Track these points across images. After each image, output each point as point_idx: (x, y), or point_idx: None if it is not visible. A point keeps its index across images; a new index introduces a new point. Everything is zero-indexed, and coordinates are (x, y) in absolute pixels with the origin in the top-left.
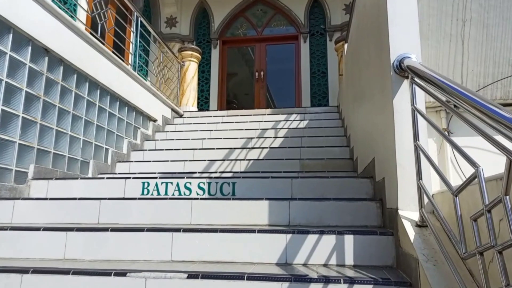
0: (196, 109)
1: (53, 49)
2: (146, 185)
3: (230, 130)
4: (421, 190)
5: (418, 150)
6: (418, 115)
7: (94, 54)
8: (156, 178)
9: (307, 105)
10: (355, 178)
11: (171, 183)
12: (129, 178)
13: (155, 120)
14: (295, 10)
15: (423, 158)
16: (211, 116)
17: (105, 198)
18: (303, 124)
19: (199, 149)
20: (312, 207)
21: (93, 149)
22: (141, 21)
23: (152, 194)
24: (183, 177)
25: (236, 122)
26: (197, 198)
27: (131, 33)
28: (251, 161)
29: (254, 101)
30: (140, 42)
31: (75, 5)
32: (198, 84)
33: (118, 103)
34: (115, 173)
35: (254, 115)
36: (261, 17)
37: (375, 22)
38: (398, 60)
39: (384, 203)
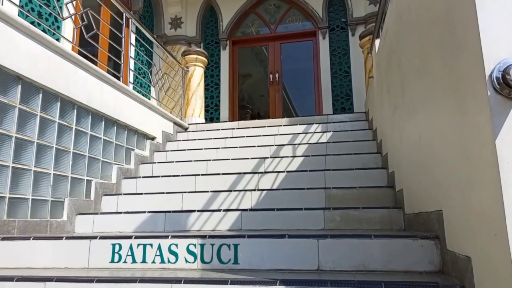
0: (204, 120)
1: (4, 64)
2: (117, 248)
3: (239, 147)
4: None
5: None
6: None
7: (67, 67)
8: (131, 238)
9: (329, 108)
10: (411, 239)
11: (151, 245)
12: (95, 238)
13: (153, 138)
14: (312, 3)
15: None
16: (219, 129)
17: (51, 279)
18: (325, 137)
19: (202, 174)
20: None
21: (69, 184)
22: (134, 24)
23: (125, 261)
24: (167, 236)
25: (247, 136)
26: (180, 281)
27: (128, 38)
28: (264, 192)
29: (269, 107)
30: (137, 48)
31: (55, 18)
32: (207, 89)
33: (103, 123)
34: (97, 213)
35: (268, 126)
36: (274, 13)
37: (440, 8)
38: (500, 71)
39: None
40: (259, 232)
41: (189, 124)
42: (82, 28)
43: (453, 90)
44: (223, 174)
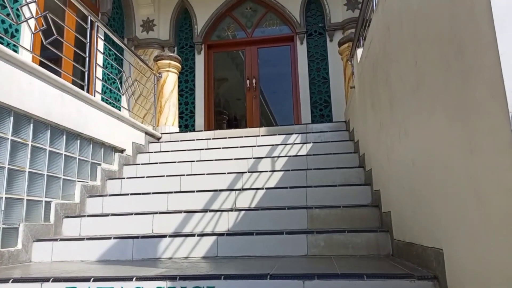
0: (178, 129)
1: None
2: None
3: (215, 160)
4: None
5: None
6: None
7: (21, 77)
8: (89, 280)
9: (307, 115)
10: (408, 279)
11: None
12: (48, 281)
13: (122, 151)
14: (289, 7)
15: None
16: (194, 140)
17: None
18: (305, 148)
19: (175, 192)
20: None
21: (24, 207)
22: (98, 28)
23: None
24: (131, 278)
25: (223, 147)
26: None
27: (94, 44)
28: (242, 213)
29: (246, 114)
30: (104, 55)
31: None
32: (182, 95)
33: (64, 137)
34: (57, 239)
35: (245, 136)
36: (250, 17)
37: (443, 24)
38: None
39: None
40: (236, 265)
41: (162, 133)
42: (41, 34)
43: (460, 121)
44: (197, 191)
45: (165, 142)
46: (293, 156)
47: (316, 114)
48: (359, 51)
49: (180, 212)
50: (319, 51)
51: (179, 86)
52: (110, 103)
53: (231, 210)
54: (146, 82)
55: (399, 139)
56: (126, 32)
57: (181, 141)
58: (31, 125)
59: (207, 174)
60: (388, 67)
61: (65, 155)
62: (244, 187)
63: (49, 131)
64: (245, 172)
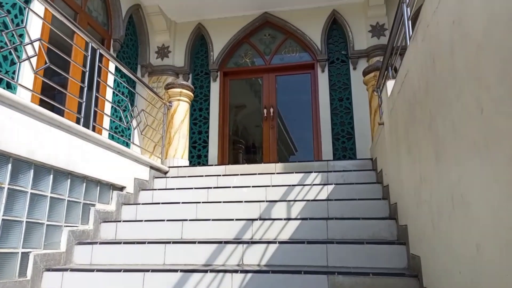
0: (187, 163)
1: None
2: None
3: (223, 202)
4: None
5: None
6: None
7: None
8: None
9: (328, 148)
10: None
11: None
12: None
13: (122, 188)
14: (310, 34)
15: None
16: (202, 176)
17: None
18: (326, 191)
19: (174, 242)
20: None
21: None
22: (100, 54)
23: None
24: None
25: (234, 187)
26: None
27: (95, 72)
28: (249, 276)
29: (263, 145)
30: (107, 84)
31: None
32: (195, 124)
33: (51, 176)
34: None
35: (259, 174)
36: (269, 43)
37: None
38: None
39: None
40: None
41: (169, 167)
42: (29, 62)
43: None
44: (199, 242)
45: (172, 177)
46: (312, 200)
47: (338, 147)
48: (390, 84)
49: (176, 270)
50: (342, 80)
51: (192, 115)
52: (114, 138)
53: (235, 271)
54: (157, 113)
55: (452, 205)
56: (140, 59)
57: (188, 177)
58: (9, 165)
59: (213, 220)
60: (432, 109)
61: (50, 197)
62: (254, 239)
63: (32, 171)
64: (256, 220)
